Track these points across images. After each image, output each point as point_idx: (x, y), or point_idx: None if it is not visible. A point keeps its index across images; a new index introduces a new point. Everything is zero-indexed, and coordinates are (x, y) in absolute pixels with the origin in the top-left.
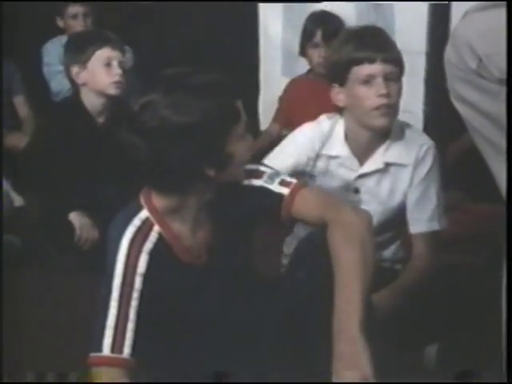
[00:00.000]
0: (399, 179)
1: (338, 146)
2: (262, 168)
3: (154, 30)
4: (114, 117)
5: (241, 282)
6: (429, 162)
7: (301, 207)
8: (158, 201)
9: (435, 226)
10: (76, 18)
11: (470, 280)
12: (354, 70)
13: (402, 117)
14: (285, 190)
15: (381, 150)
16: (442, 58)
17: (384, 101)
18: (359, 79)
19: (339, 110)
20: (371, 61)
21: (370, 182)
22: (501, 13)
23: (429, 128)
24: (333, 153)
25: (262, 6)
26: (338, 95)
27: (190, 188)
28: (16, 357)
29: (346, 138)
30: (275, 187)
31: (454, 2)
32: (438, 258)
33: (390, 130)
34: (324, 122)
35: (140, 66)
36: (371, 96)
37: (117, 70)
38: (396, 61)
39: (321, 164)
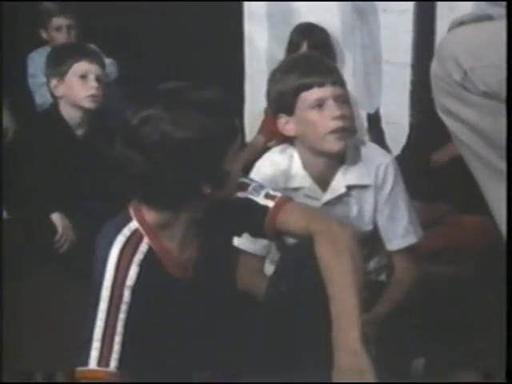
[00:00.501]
0: (364, 200)
1: (299, 177)
2: (247, 180)
3: (141, 43)
4: (93, 129)
5: (227, 296)
6: (390, 180)
7: (286, 220)
8: (149, 215)
9: (412, 239)
10: (60, 31)
11: (457, 293)
12: (302, 97)
13: (387, 128)
14: (270, 203)
15: (340, 173)
16: (427, 70)
17: (339, 123)
18: (309, 104)
19: (289, 140)
20: (320, 84)
21: (337, 208)
22: (484, 26)
23: (414, 140)
24: (295, 184)
25: (247, 19)
26: (287, 125)
27: (184, 205)
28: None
29: (304, 167)
30: (261, 199)
31: (439, 14)
32: (424, 271)
33: (345, 153)
34: (279, 158)
35: (125, 78)
36: (324, 120)
37: (92, 84)
38: (343, 83)
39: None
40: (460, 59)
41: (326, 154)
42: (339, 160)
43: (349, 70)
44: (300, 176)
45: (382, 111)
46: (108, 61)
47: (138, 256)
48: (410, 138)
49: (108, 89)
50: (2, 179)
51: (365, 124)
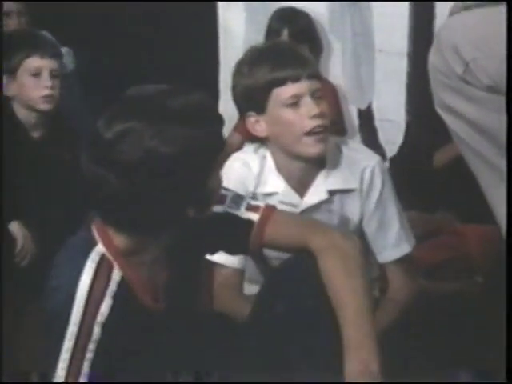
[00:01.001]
0: (349, 206)
1: (272, 181)
2: (223, 190)
3: (102, 30)
4: (50, 130)
5: (207, 324)
6: (377, 184)
7: (275, 233)
8: (118, 239)
9: (405, 249)
10: (10, 17)
11: (459, 312)
12: (275, 93)
13: (381, 126)
14: (254, 216)
15: (320, 177)
16: (425, 60)
17: (317, 122)
18: (283, 102)
19: (262, 141)
20: (295, 79)
21: (317, 216)
22: (488, 12)
23: (412, 140)
24: (267, 189)
25: (221, 3)
26: (257, 125)
27: (163, 230)
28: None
29: (278, 170)
30: (242, 213)
31: None
32: (422, 287)
33: (325, 154)
34: (250, 158)
35: (85, 71)
36: (301, 119)
37: (46, 82)
38: (319, 76)
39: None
40: (461, 49)
41: (304, 158)
42: (319, 164)
43: (337, 60)
44: (273, 179)
45: (374, 107)
46: (64, 50)
47: (112, 287)
48: (406, 137)
49: (65, 82)
50: None
51: (355, 122)
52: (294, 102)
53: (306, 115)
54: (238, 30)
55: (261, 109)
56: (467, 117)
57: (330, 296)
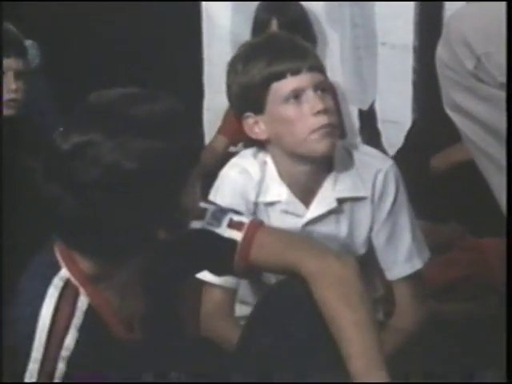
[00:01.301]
0: (359, 215)
1: (274, 189)
2: (202, 203)
3: (69, 20)
4: (10, 139)
5: (190, 353)
6: (391, 191)
7: (262, 255)
8: (83, 264)
9: (417, 265)
10: None
11: (475, 336)
12: (273, 89)
13: (384, 129)
14: (237, 234)
15: (328, 183)
16: (434, 54)
17: (323, 119)
18: (283, 97)
19: (260, 144)
20: (295, 71)
21: (324, 227)
22: (502, 1)
23: (418, 142)
24: (269, 198)
25: None
26: (256, 126)
27: (131, 254)
28: None
29: (281, 176)
30: (224, 231)
31: None
32: (433, 309)
33: (333, 157)
34: (249, 165)
35: (51, 67)
36: (304, 116)
37: (11, 85)
38: (322, 68)
39: (260, 214)
40: (472, 42)
41: (309, 159)
42: (326, 166)
43: (335, 54)
44: (275, 187)
45: (377, 107)
46: (28, 43)
47: (77, 317)
48: (411, 139)
49: (29, 80)
50: None
51: (356, 123)
52: (296, 98)
53: (310, 112)
54: (222, 21)
55: (259, 108)
56: (478, 117)
57: (330, 328)
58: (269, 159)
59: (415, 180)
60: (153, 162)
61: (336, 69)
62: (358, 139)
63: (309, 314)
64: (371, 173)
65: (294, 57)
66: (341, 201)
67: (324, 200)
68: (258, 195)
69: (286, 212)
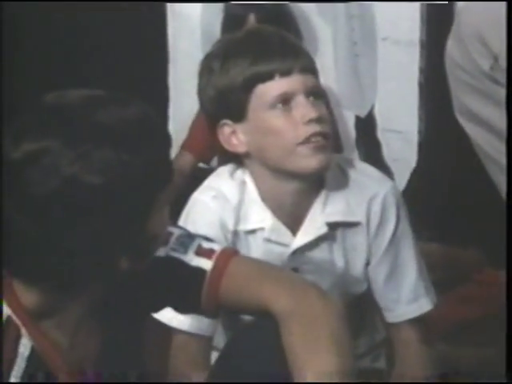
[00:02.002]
0: (353, 244)
1: (255, 214)
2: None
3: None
4: None
5: None
6: (390, 218)
7: (234, 287)
8: (28, 296)
9: (425, 306)
10: None
11: None
12: (257, 92)
13: (385, 139)
14: (206, 263)
15: (317, 205)
16: (443, 52)
17: (316, 128)
18: (269, 103)
19: (237, 159)
20: (285, 72)
21: (314, 255)
22: None
23: (426, 154)
24: (250, 226)
25: None
26: (233, 137)
27: (85, 285)
28: None
29: (263, 198)
30: (190, 258)
31: None
32: (442, 354)
33: (324, 175)
34: (226, 186)
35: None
36: (293, 125)
37: None
38: (315, 71)
39: (240, 244)
40: (488, 38)
41: (297, 177)
42: (316, 187)
43: (326, 52)
44: (257, 212)
45: (377, 114)
46: None
47: (18, 366)
48: (419, 152)
49: None
50: None
51: (352, 133)
52: (284, 103)
53: (300, 120)
54: (190, 13)
55: (239, 115)
56: (494, 125)
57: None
58: (248, 178)
59: (429, 201)
60: (118, 177)
61: (328, 69)
62: (355, 154)
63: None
64: (366, 196)
65: (284, 55)
66: (331, 226)
67: (313, 225)
68: (236, 222)
69: (270, 241)
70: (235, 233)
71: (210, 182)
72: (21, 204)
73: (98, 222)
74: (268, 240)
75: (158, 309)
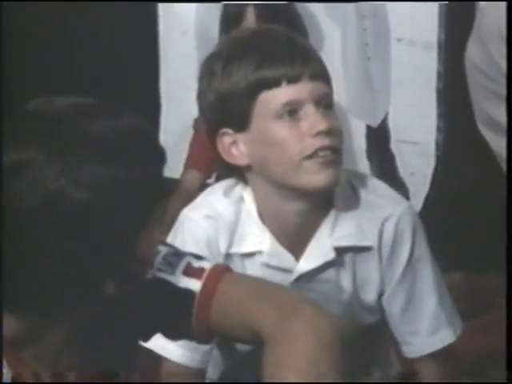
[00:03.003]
0: (364, 271)
1: (253, 236)
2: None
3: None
4: None
5: None
6: (405, 243)
7: (225, 309)
8: (6, 323)
9: (447, 338)
10: None
11: None
12: (262, 99)
13: (400, 151)
14: (195, 284)
15: (325, 227)
16: (463, 54)
17: (325, 142)
18: (275, 111)
19: (237, 173)
20: (293, 79)
21: (321, 284)
22: None
23: (445, 168)
24: (246, 248)
25: None
26: (234, 147)
27: (68, 310)
28: None
29: (262, 218)
30: (178, 279)
31: None
32: None
33: (333, 193)
34: (220, 204)
35: None
36: (301, 137)
37: None
38: (327, 78)
39: (234, 268)
40: None
41: (303, 194)
42: (324, 205)
43: (335, 54)
44: (255, 233)
45: (390, 123)
46: None
47: None
48: (437, 166)
49: None
50: None
51: (363, 145)
52: (291, 113)
53: (308, 131)
54: (184, 12)
55: (241, 124)
56: None
57: None
58: (247, 195)
59: (451, 222)
60: (107, 193)
61: (336, 73)
62: (365, 163)
63: None
64: (379, 218)
65: (293, 59)
66: (340, 250)
67: (319, 249)
68: (230, 245)
69: (269, 266)
70: (228, 256)
71: (203, 198)
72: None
73: (84, 242)
74: (267, 265)
75: (147, 337)
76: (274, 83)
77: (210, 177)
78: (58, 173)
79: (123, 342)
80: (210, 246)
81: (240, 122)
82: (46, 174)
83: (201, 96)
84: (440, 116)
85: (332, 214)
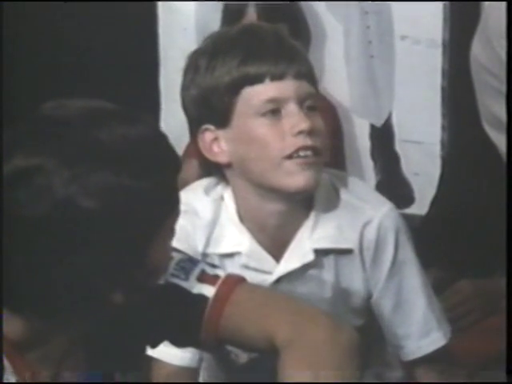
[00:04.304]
0: (346, 273)
1: (231, 236)
2: None
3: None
4: None
5: None
6: (388, 245)
7: (237, 316)
8: (11, 325)
9: (438, 340)
10: None
11: None
12: (244, 95)
13: (406, 150)
14: (208, 290)
15: (305, 229)
16: (468, 53)
17: (305, 141)
18: (257, 108)
19: (219, 171)
20: (277, 76)
21: (300, 284)
22: None
23: (450, 169)
24: (224, 249)
25: None
26: (215, 144)
27: (75, 316)
28: None
29: (242, 218)
30: (192, 285)
31: None
32: None
33: (314, 194)
34: (199, 203)
35: None
36: (281, 135)
37: None
38: (313, 78)
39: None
40: None
41: (282, 195)
42: (305, 206)
43: (337, 52)
44: (233, 233)
45: (394, 122)
46: None
47: None
48: (442, 166)
49: None
50: None
51: (367, 145)
52: (273, 111)
53: (289, 130)
54: (184, 8)
55: (222, 120)
56: None
57: None
58: (227, 194)
59: (456, 225)
60: (118, 203)
61: (339, 71)
62: (370, 163)
63: None
64: (359, 222)
65: (278, 56)
66: (319, 252)
67: (298, 251)
68: (207, 244)
69: (247, 267)
70: (206, 255)
71: (182, 194)
72: (7, 226)
73: (92, 251)
74: (246, 266)
75: (155, 343)
76: (257, 79)
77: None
78: (67, 180)
79: (131, 348)
80: (187, 243)
81: (222, 118)
82: (55, 181)
83: (184, 91)
84: (445, 115)
85: (312, 215)
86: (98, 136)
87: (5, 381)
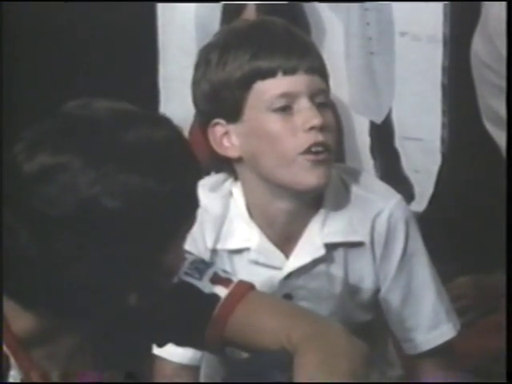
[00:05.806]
0: (356, 268)
1: (240, 232)
2: None
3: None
4: None
5: None
6: (398, 237)
7: (246, 318)
8: (21, 321)
9: (448, 332)
10: None
11: None
12: (256, 89)
13: (404, 148)
14: (221, 290)
15: (315, 224)
16: (468, 49)
17: (318, 137)
18: (268, 103)
19: (228, 166)
20: (289, 70)
21: (310, 280)
22: None
23: (450, 166)
24: (233, 245)
25: None
26: (225, 139)
27: (84, 317)
28: None
29: (251, 213)
30: (205, 285)
31: None
32: None
33: (324, 190)
34: (207, 199)
35: None
36: (293, 131)
37: None
38: (325, 74)
39: (222, 266)
40: None
41: (293, 192)
42: (314, 201)
43: (338, 48)
44: (243, 229)
45: (394, 119)
46: None
47: None
48: (442, 163)
49: None
50: None
51: (366, 142)
52: (285, 107)
53: (301, 126)
54: (183, 6)
55: (233, 114)
56: None
57: None
58: (236, 189)
59: (456, 221)
60: (140, 204)
61: (339, 67)
62: (370, 161)
63: None
64: (370, 214)
65: (290, 51)
66: (330, 247)
67: (308, 246)
68: (216, 240)
69: (257, 263)
70: (215, 252)
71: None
72: (28, 222)
73: (111, 251)
74: (254, 262)
75: (162, 342)
76: (269, 73)
77: (208, 173)
78: (92, 180)
79: (138, 347)
80: (196, 239)
81: (233, 112)
82: (80, 181)
83: (195, 85)
84: (445, 112)
85: (322, 209)
86: (124, 137)
87: (10, 378)
